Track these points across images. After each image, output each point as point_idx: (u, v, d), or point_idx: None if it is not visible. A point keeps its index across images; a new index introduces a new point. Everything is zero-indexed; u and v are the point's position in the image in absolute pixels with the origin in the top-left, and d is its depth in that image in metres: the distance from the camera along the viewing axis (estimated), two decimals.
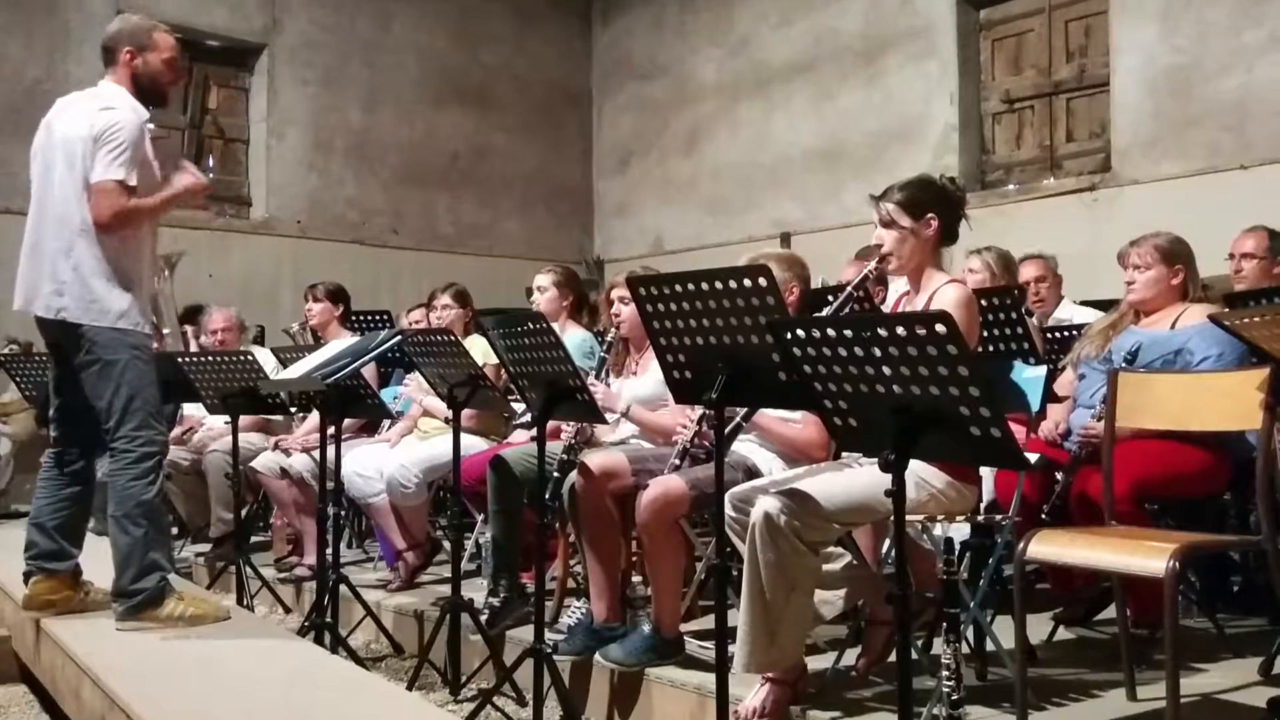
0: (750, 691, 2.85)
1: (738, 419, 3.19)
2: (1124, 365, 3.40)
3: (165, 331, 6.25)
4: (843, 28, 8.78)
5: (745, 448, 3.40)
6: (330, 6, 9.50)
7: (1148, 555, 2.57)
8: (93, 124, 3.48)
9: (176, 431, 5.76)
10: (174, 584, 3.72)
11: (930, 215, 2.96)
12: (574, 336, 4.51)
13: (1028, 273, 4.91)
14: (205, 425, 5.82)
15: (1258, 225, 4.53)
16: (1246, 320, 2.88)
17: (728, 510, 2.81)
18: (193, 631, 3.54)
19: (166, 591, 3.59)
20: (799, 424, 3.32)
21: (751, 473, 3.28)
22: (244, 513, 5.39)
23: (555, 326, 3.68)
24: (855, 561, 3.07)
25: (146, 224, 3.66)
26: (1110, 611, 3.54)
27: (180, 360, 4.85)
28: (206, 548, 5.67)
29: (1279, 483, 2.97)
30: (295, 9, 9.30)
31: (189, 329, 6.44)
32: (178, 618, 3.57)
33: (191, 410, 5.93)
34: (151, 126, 3.65)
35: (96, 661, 3.21)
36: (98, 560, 3.76)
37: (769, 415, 3.31)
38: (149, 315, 3.68)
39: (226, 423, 5.06)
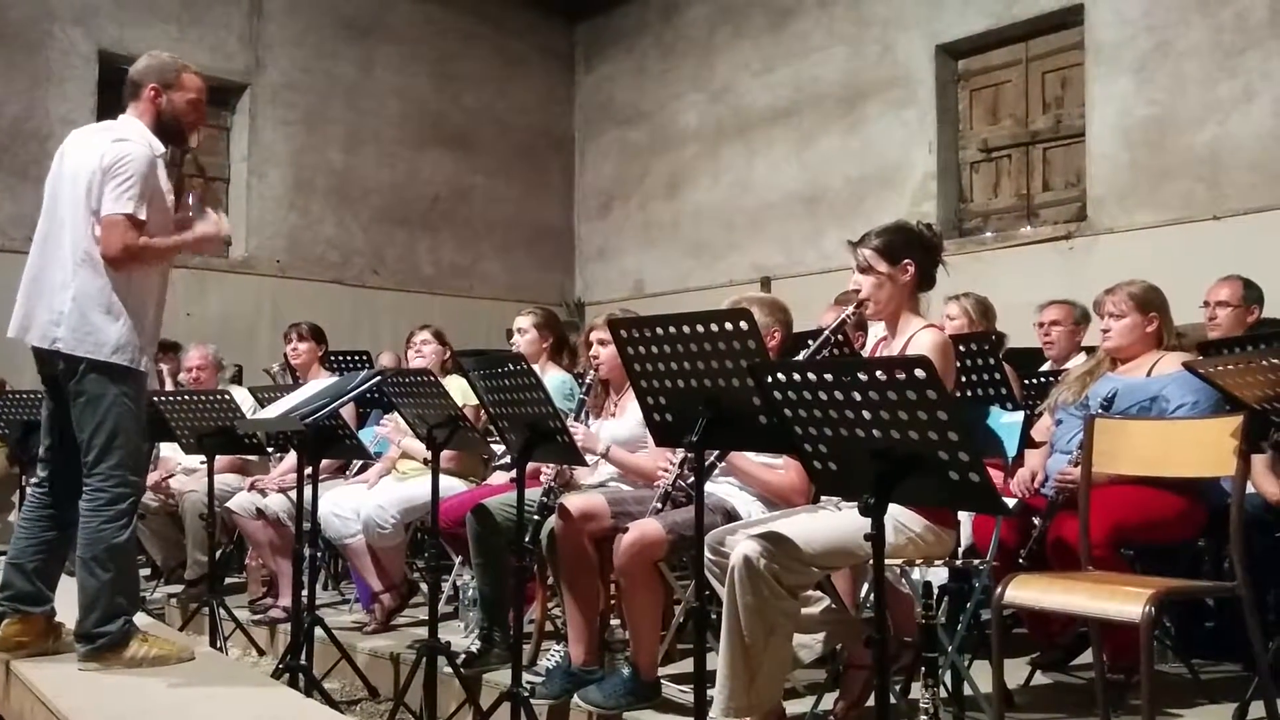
0: None
1: (712, 457, 3.19)
2: (1100, 411, 3.42)
3: None
4: (823, 76, 8.90)
5: (724, 490, 3.40)
6: (312, 48, 9.55)
7: (1124, 600, 2.59)
8: (103, 155, 3.46)
9: (154, 477, 5.70)
10: (138, 624, 3.66)
11: (907, 261, 2.99)
12: (554, 378, 4.51)
13: (1045, 315, 4.92)
14: (180, 466, 5.76)
15: (1233, 274, 4.59)
16: (1221, 368, 2.92)
17: (706, 553, 2.80)
18: (164, 674, 3.49)
19: (130, 634, 3.54)
20: (780, 469, 3.32)
21: (731, 515, 3.28)
22: (218, 554, 5.34)
23: (535, 368, 3.68)
24: (834, 605, 3.07)
25: (157, 263, 3.63)
26: (1087, 656, 3.55)
27: (156, 399, 4.81)
28: (179, 589, 5.60)
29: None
30: (277, 49, 9.35)
31: (163, 366, 6.40)
32: (140, 659, 3.51)
33: (168, 452, 5.88)
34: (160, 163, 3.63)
35: (66, 705, 3.16)
36: (62, 600, 3.71)
37: (750, 460, 3.32)
38: (152, 355, 3.62)
39: (202, 462, 5.02)
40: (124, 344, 3.48)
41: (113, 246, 3.42)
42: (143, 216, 3.45)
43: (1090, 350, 4.65)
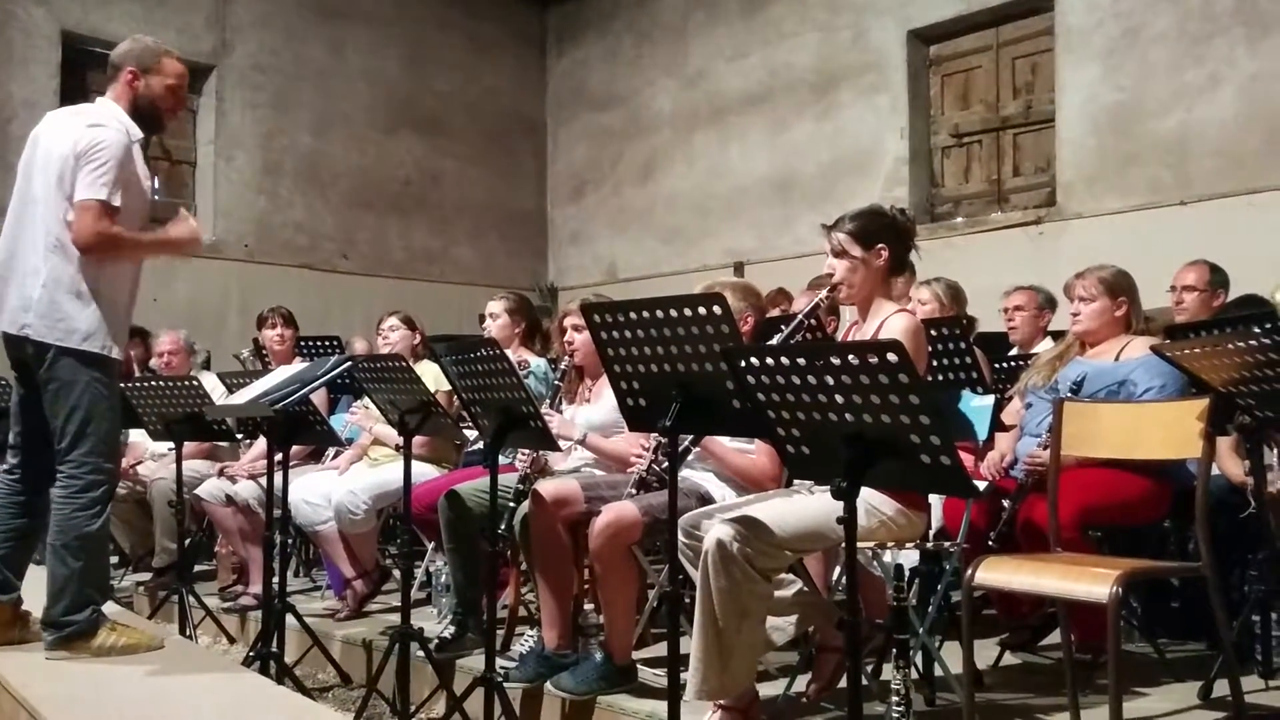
0: (702, 719, 2.85)
1: (687, 442, 3.19)
2: (1069, 395, 3.45)
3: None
4: (796, 61, 8.90)
5: (699, 475, 3.41)
6: (281, 30, 9.45)
7: (1092, 581, 2.62)
8: (77, 141, 3.39)
9: (123, 463, 5.64)
10: (106, 613, 3.62)
11: (880, 245, 3.00)
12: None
13: (1009, 300, 4.95)
14: (149, 452, 5.71)
15: (1199, 259, 4.64)
16: (1187, 352, 2.95)
17: (680, 537, 2.81)
18: (133, 662, 3.46)
19: (99, 623, 3.49)
20: (752, 453, 3.33)
21: (705, 500, 3.29)
22: (188, 541, 5.30)
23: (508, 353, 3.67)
24: (805, 588, 3.08)
25: (127, 256, 3.57)
26: (1055, 637, 3.59)
27: (123, 385, 4.75)
28: (147, 576, 5.56)
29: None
30: (245, 31, 9.24)
31: (130, 353, 6.33)
32: (109, 648, 3.47)
33: (136, 438, 5.81)
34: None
35: (34, 694, 3.13)
36: (30, 586, 3.68)
37: (723, 444, 3.32)
38: (123, 343, 3.57)
39: (170, 449, 4.97)
40: (94, 331, 3.43)
41: (84, 232, 3.37)
42: (117, 203, 3.39)
43: (1056, 335, 4.69)
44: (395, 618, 3.90)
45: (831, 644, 3.06)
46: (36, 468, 3.59)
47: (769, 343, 3.22)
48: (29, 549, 3.70)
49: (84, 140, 3.39)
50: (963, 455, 2.13)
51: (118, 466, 3.60)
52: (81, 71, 8.55)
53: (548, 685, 3.33)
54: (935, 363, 3.83)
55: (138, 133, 3.55)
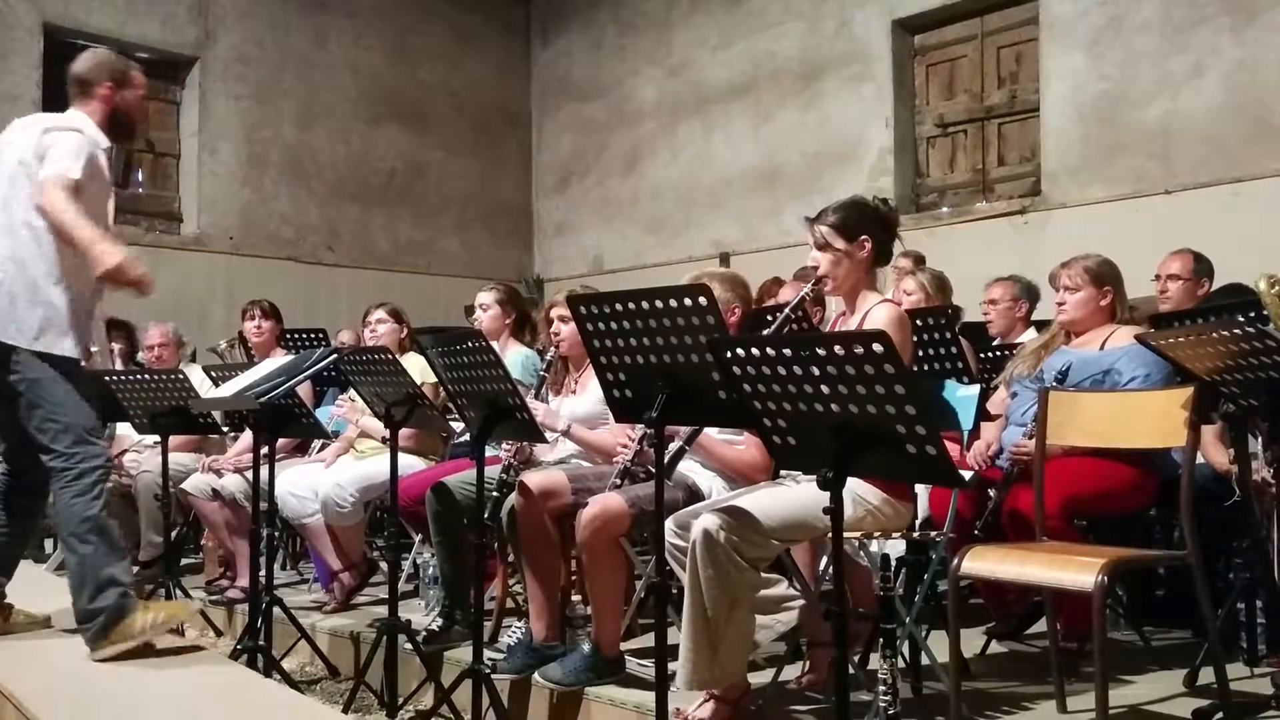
0: (691, 704, 2.86)
1: (680, 443, 3.18)
2: (1055, 384, 3.47)
3: (94, 349, 6.13)
4: (781, 51, 8.89)
5: (686, 466, 3.40)
6: (265, 21, 9.39)
7: (1077, 570, 2.63)
8: (36, 146, 3.41)
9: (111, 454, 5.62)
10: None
11: (864, 237, 3.00)
12: (517, 355, 4.49)
13: (987, 293, 4.95)
14: (136, 442, 5.69)
15: (1184, 248, 4.65)
16: (1172, 341, 2.96)
17: (668, 537, 2.79)
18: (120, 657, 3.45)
19: (129, 607, 3.42)
20: (741, 445, 3.33)
21: (692, 491, 3.29)
22: (174, 535, 5.28)
23: (497, 345, 3.67)
24: (797, 587, 3.09)
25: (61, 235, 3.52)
26: (1041, 625, 3.61)
27: (108, 379, 4.74)
28: (133, 569, 5.53)
29: None
30: (229, 22, 9.18)
31: (115, 346, 6.31)
32: (149, 626, 3.42)
33: (124, 431, 5.79)
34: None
35: (19, 686, 3.12)
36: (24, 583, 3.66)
37: (711, 436, 3.32)
38: (84, 340, 3.53)
39: (155, 443, 4.94)
40: (45, 329, 3.41)
41: (49, 202, 3.35)
42: (76, 175, 3.36)
43: (1040, 324, 4.71)
44: (383, 610, 3.89)
45: (823, 639, 3.07)
46: (26, 471, 3.57)
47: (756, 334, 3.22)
48: (16, 548, 3.68)
49: (43, 143, 3.39)
50: (948, 445, 2.14)
51: (106, 445, 3.58)
52: (64, 65, 8.44)
53: (535, 676, 3.33)
54: (921, 353, 3.84)
55: (105, 141, 3.56)
